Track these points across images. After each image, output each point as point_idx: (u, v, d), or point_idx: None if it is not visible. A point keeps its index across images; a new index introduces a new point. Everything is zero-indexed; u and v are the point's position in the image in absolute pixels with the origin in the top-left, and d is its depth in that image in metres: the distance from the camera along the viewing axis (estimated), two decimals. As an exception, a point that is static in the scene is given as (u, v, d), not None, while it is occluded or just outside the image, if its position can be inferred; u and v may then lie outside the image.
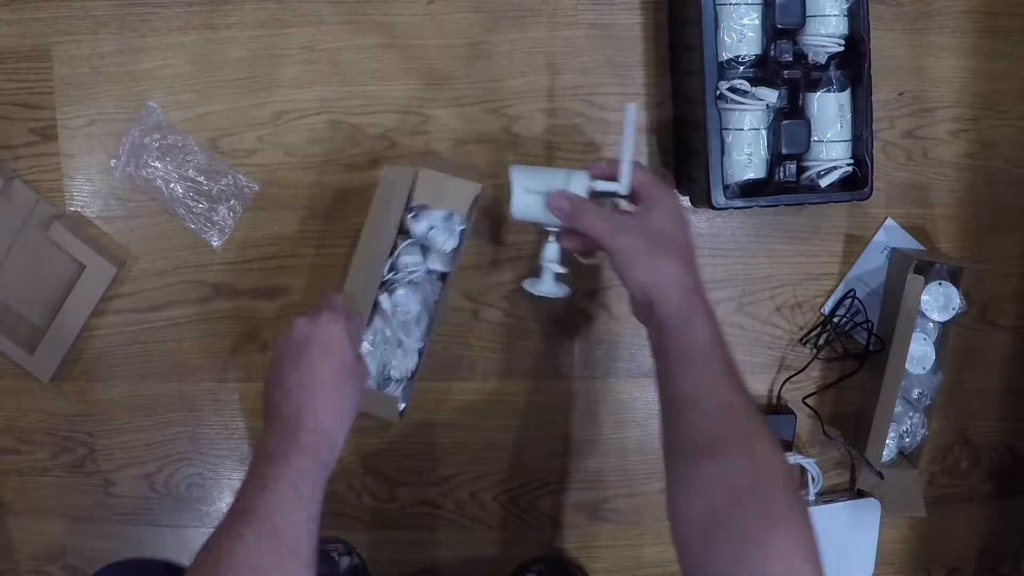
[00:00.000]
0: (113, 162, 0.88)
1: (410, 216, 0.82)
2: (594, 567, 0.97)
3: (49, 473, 0.94)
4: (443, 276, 0.86)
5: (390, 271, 0.84)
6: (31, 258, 0.89)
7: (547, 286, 0.77)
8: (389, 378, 0.87)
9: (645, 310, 0.67)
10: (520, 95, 0.88)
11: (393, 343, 0.86)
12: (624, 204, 0.75)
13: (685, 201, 0.89)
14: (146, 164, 0.87)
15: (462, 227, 0.84)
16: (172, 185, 0.88)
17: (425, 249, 0.85)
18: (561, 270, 0.77)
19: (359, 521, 0.95)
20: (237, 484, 0.94)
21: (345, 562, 0.93)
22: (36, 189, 0.89)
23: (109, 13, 0.86)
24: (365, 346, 0.85)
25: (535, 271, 0.79)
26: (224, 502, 0.96)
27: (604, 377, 0.93)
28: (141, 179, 0.88)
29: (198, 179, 0.88)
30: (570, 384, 0.93)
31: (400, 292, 0.84)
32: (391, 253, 0.83)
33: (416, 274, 0.85)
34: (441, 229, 0.83)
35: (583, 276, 0.90)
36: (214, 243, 0.89)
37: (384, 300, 0.83)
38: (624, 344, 0.92)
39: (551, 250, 0.76)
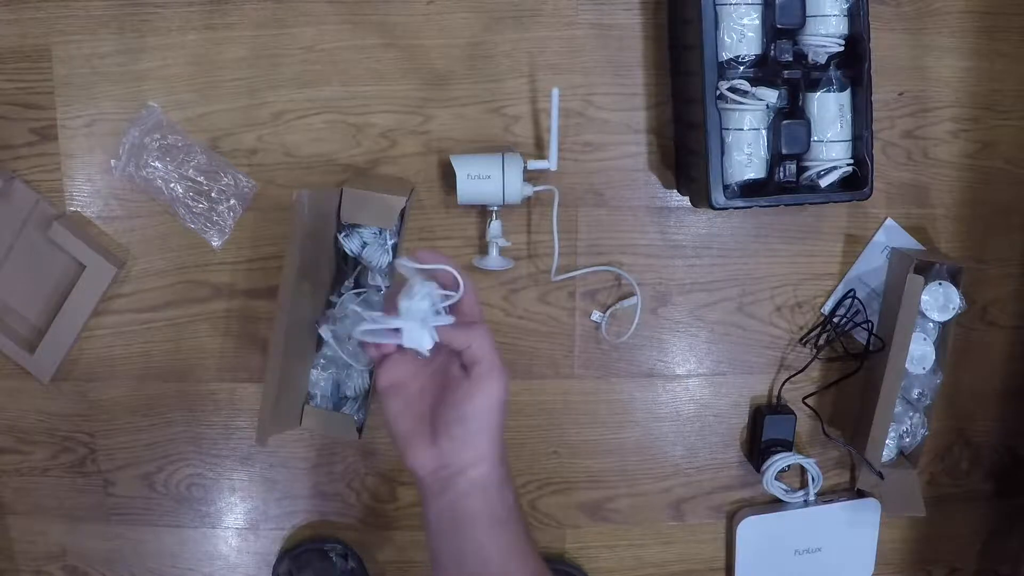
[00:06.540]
0: (113, 162, 0.88)
1: (341, 235, 0.83)
2: (594, 567, 0.97)
3: (49, 473, 0.95)
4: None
5: (335, 295, 0.86)
6: (31, 258, 0.89)
7: (494, 260, 0.86)
8: (345, 397, 0.88)
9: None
10: (520, 95, 0.88)
11: (344, 364, 0.86)
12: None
13: (685, 201, 0.89)
14: (146, 164, 0.87)
15: (393, 241, 0.84)
16: (172, 185, 0.88)
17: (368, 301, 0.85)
18: (506, 243, 0.86)
19: (359, 521, 0.95)
20: (237, 484, 0.95)
21: (342, 563, 0.93)
22: (36, 189, 0.89)
23: (109, 13, 0.86)
24: (316, 371, 0.86)
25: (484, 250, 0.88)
26: (224, 502, 0.96)
27: (604, 377, 0.93)
28: (141, 179, 0.88)
29: (198, 179, 0.88)
30: (570, 384, 0.93)
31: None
32: (334, 274, 0.85)
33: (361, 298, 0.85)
34: (374, 246, 0.83)
35: (582, 278, 0.91)
36: (214, 243, 0.89)
37: (323, 331, 0.83)
38: (624, 344, 0.92)
39: (495, 227, 0.85)
